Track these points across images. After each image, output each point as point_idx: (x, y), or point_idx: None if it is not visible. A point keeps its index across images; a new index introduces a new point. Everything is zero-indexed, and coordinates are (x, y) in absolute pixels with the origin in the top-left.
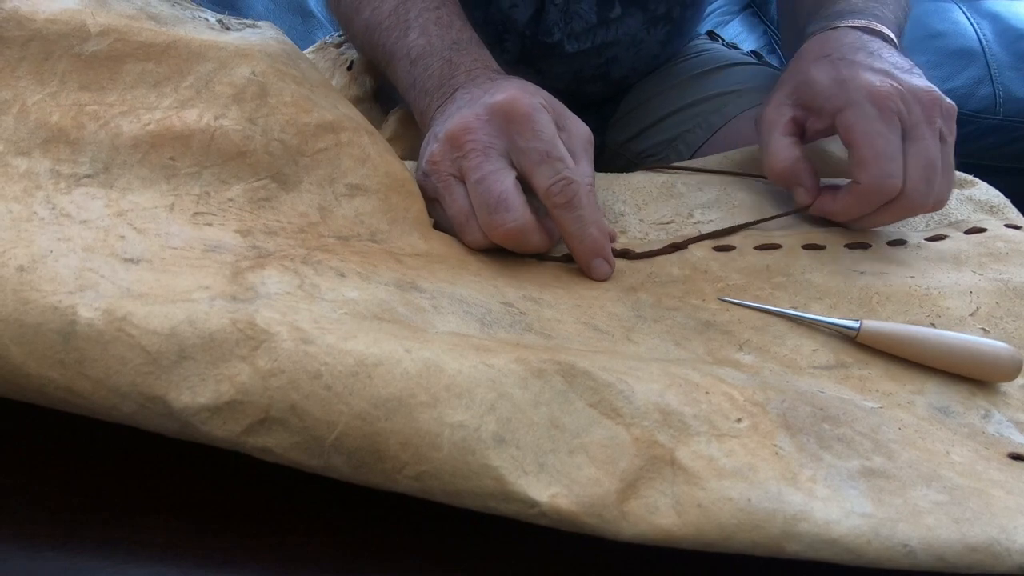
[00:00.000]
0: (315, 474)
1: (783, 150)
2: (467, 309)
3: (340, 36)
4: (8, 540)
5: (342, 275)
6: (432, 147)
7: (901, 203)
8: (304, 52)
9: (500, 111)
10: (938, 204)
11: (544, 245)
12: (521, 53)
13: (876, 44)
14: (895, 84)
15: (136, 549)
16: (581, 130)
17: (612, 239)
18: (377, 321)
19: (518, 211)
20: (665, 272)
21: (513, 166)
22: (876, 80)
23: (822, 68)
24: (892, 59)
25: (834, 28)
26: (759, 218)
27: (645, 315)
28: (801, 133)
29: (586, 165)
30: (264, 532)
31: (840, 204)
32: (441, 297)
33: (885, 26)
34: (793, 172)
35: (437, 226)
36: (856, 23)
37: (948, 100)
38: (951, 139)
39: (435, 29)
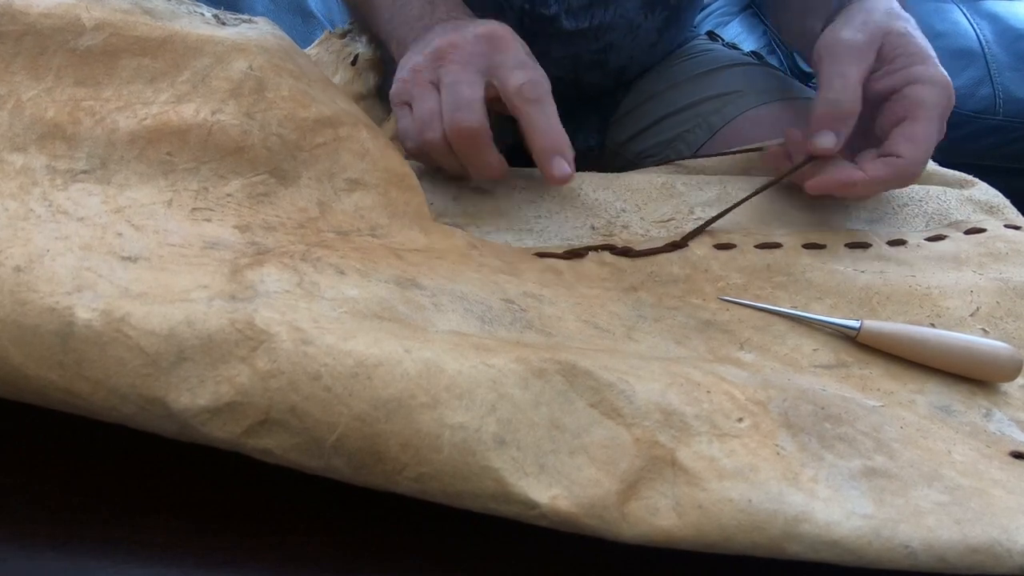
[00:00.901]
0: (314, 475)
1: (856, 91)
2: (467, 307)
3: (344, 27)
4: (8, 540)
5: (342, 272)
6: (415, 59)
7: (903, 176)
8: (309, 46)
9: (486, 35)
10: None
11: (495, 166)
12: (519, 30)
13: (910, 19)
14: (946, 78)
15: (136, 549)
16: (528, 51)
17: (568, 148)
18: (377, 320)
19: (480, 115)
20: (666, 272)
21: (487, 87)
22: (942, 75)
23: (911, 29)
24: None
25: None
26: (758, 214)
27: (646, 314)
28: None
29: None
30: (264, 532)
31: (869, 181)
32: (441, 295)
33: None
34: (853, 115)
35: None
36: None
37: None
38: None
39: None
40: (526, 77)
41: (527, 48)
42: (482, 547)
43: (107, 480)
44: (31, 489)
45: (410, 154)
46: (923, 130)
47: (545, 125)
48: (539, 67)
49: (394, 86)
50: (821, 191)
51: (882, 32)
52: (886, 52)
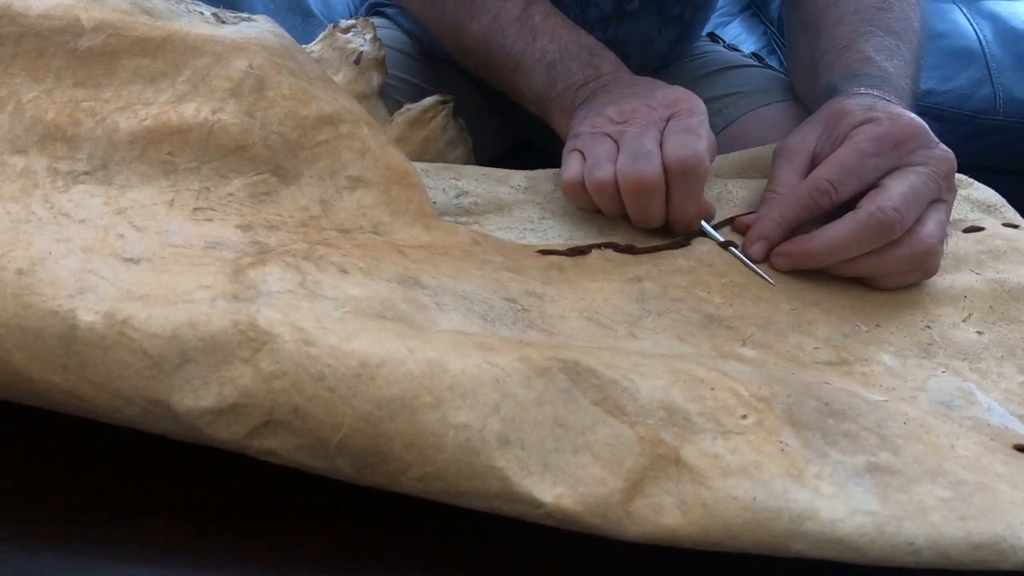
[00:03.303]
0: (314, 475)
1: (789, 183)
2: (469, 306)
3: (347, 23)
4: (8, 540)
5: (344, 271)
6: (595, 119)
7: (869, 212)
8: (313, 41)
9: (674, 99)
10: (901, 258)
11: (658, 216)
12: None
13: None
14: (922, 127)
15: (136, 549)
16: (714, 141)
17: (710, 216)
18: (380, 320)
19: (659, 168)
20: (671, 263)
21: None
22: (905, 116)
23: (857, 102)
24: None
25: (866, 94)
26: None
27: (650, 307)
28: (814, 167)
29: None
30: (264, 532)
31: (780, 205)
32: (444, 294)
33: (905, 99)
34: (779, 227)
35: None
36: (887, 96)
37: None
38: (951, 202)
39: (565, 34)
40: (682, 146)
41: (704, 110)
42: (482, 547)
43: (107, 480)
44: (31, 489)
45: (565, 189)
46: (832, 158)
47: (681, 202)
48: (704, 138)
49: (570, 141)
50: (786, 266)
51: (827, 112)
52: (831, 124)
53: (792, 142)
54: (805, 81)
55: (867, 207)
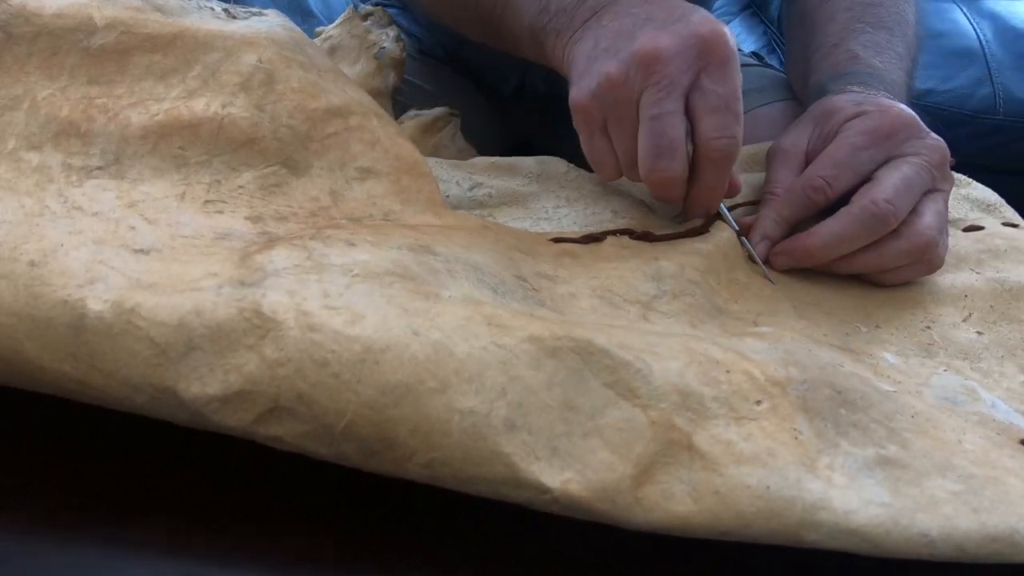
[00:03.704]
0: (315, 473)
1: (786, 182)
2: (480, 277)
3: (367, 8)
4: (8, 540)
5: (352, 244)
6: (610, 66)
7: (863, 206)
8: (330, 25)
9: (700, 43)
10: (900, 251)
11: (679, 199)
12: None
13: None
14: (913, 118)
15: (136, 549)
16: (741, 80)
17: (737, 190)
18: (389, 283)
19: (682, 162)
20: (689, 246)
21: (686, 106)
22: (895, 107)
23: (847, 98)
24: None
25: (855, 92)
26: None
27: (666, 287)
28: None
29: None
30: (264, 532)
31: (776, 205)
32: (455, 262)
33: (897, 95)
34: (777, 230)
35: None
36: (876, 95)
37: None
38: (948, 191)
39: None
40: (722, 131)
41: (735, 59)
42: (482, 547)
43: (107, 480)
44: (31, 489)
45: (600, 176)
46: (825, 152)
47: (713, 189)
48: (740, 115)
49: (581, 95)
50: (785, 265)
51: (817, 111)
52: (822, 121)
53: (785, 143)
54: (799, 79)
55: (860, 201)
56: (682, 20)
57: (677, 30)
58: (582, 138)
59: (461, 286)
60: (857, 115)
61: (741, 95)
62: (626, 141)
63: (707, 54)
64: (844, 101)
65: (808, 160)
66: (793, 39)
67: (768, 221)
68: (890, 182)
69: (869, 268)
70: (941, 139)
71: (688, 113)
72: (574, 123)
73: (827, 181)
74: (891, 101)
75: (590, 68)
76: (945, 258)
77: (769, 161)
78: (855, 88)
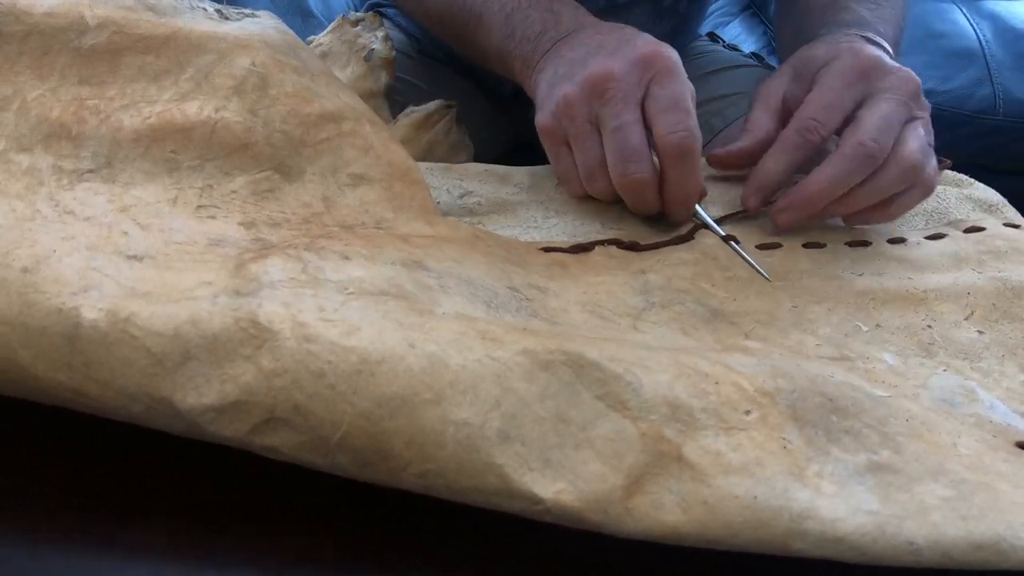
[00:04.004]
0: (315, 474)
1: (762, 122)
2: (473, 291)
3: (357, 15)
4: (8, 540)
5: (347, 257)
6: (567, 90)
7: (852, 147)
8: (322, 32)
9: (645, 60)
10: (894, 177)
11: (655, 203)
12: None
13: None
14: (880, 57)
15: (136, 549)
16: (690, 84)
17: (702, 196)
18: (383, 301)
19: (649, 165)
20: (675, 256)
21: (644, 116)
22: (865, 45)
23: (822, 43)
24: (888, 49)
25: (839, 35)
26: (760, 214)
27: (654, 299)
28: (786, 108)
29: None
30: (264, 532)
31: (771, 152)
32: (448, 277)
33: (886, 42)
34: (761, 146)
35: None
36: (861, 33)
37: (923, 96)
38: (926, 117)
39: None
40: (676, 126)
41: (683, 70)
42: (482, 547)
43: (107, 480)
44: (31, 489)
45: (568, 192)
46: (809, 98)
47: (681, 184)
48: (692, 111)
49: (544, 118)
50: (790, 220)
51: (794, 59)
52: (798, 69)
53: (763, 89)
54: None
55: (849, 142)
56: (628, 44)
57: (624, 53)
58: (549, 157)
59: (454, 303)
60: (833, 58)
61: (690, 97)
62: (584, 155)
63: (652, 67)
64: (818, 47)
65: (785, 104)
66: (783, 25)
67: (765, 172)
68: (873, 121)
69: (869, 202)
70: (910, 71)
71: (646, 123)
72: (542, 143)
73: (819, 121)
74: (861, 43)
75: (551, 93)
76: (937, 182)
77: (750, 107)
78: (835, 33)
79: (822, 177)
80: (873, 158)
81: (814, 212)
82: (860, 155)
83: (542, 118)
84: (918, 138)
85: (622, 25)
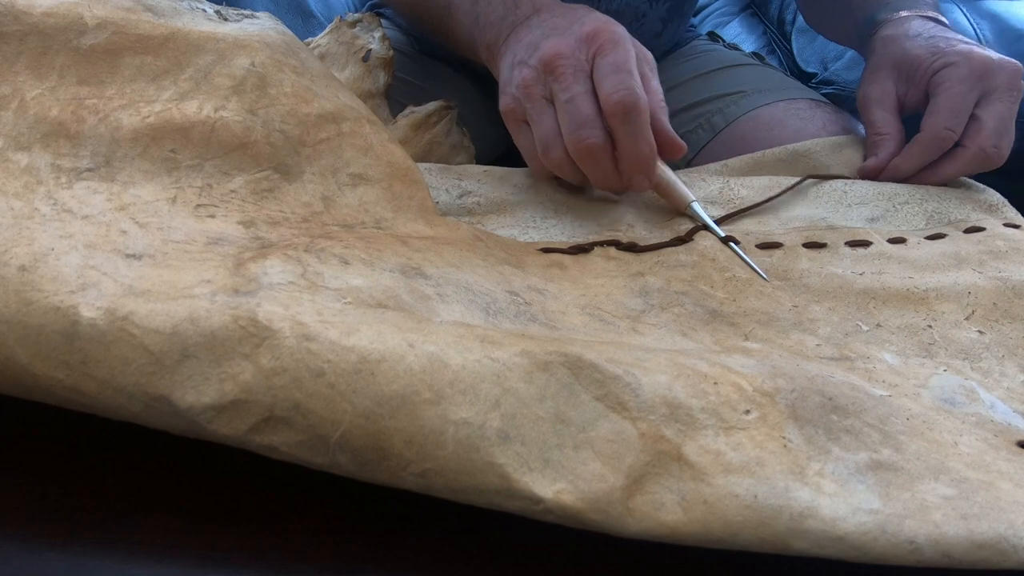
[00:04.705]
0: (315, 474)
1: (890, 125)
2: (472, 298)
3: (355, 16)
4: (8, 540)
5: (346, 262)
6: (523, 72)
7: (973, 154)
8: (320, 34)
9: (591, 36)
10: (1002, 159)
11: (615, 177)
12: None
13: (949, 32)
14: (989, 57)
15: (136, 549)
16: (648, 54)
17: (680, 152)
18: (381, 311)
19: (601, 131)
20: (674, 259)
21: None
22: (970, 48)
23: (918, 44)
24: (969, 40)
25: (904, 18)
26: (760, 214)
27: (653, 301)
28: (902, 109)
29: (655, 83)
30: (264, 532)
31: (905, 158)
32: (446, 284)
33: (936, 12)
34: (897, 142)
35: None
36: (922, 13)
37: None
38: (1018, 99)
39: None
40: (617, 87)
41: (628, 41)
42: (483, 547)
43: (107, 480)
44: (31, 489)
45: (529, 166)
46: (940, 104)
47: (631, 146)
48: (634, 72)
49: (505, 101)
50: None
51: (893, 60)
52: (906, 73)
53: (875, 91)
54: (838, 18)
55: (972, 147)
56: (578, 23)
57: (573, 32)
58: (513, 137)
59: (452, 311)
60: (945, 66)
61: (634, 62)
62: (540, 127)
63: (596, 41)
64: (919, 50)
65: (901, 103)
66: None
67: (902, 170)
68: (992, 125)
69: (940, 178)
70: (1015, 63)
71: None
72: (506, 126)
73: (952, 130)
74: (961, 42)
75: (511, 77)
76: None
77: (864, 108)
78: (906, 13)
79: (944, 174)
80: (991, 160)
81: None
82: (981, 158)
83: (503, 101)
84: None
85: (576, 6)
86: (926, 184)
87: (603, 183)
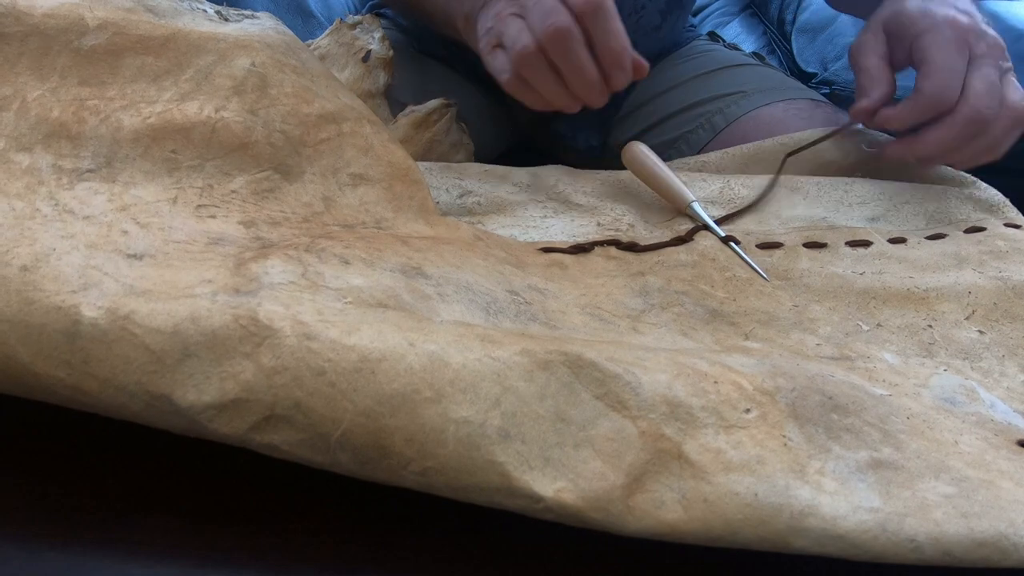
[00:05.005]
0: (315, 474)
1: (882, 72)
2: (472, 297)
3: (355, 18)
4: (8, 540)
5: (347, 262)
6: (495, 8)
7: (967, 114)
8: (320, 35)
9: None
10: (1006, 127)
11: (589, 67)
12: None
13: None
14: (972, 21)
15: (136, 549)
16: None
17: (643, 70)
18: (382, 311)
19: (569, 17)
20: (674, 259)
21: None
22: (957, 14)
23: (913, 5)
24: (972, 7)
25: None
26: (759, 214)
27: (653, 301)
28: (890, 62)
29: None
30: (264, 532)
31: (900, 110)
32: (447, 284)
33: None
34: (888, 85)
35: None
36: None
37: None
38: (1011, 66)
39: None
40: None
41: None
42: (483, 547)
43: (107, 480)
44: (31, 489)
45: (507, 87)
46: (933, 64)
47: (603, 41)
48: None
49: (482, 38)
50: (899, 156)
51: (886, 15)
52: (894, 30)
53: (866, 39)
54: None
55: (965, 110)
56: None
57: None
58: (488, 66)
59: (453, 311)
60: (930, 28)
61: None
62: (511, 28)
63: None
64: (912, 11)
65: (888, 56)
66: None
67: (894, 117)
68: (983, 87)
69: (980, 149)
70: (995, 35)
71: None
72: (485, 65)
73: (953, 88)
74: (945, 8)
75: (485, 23)
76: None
77: (857, 56)
78: None
79: (937, 139)
80: (987, 121)
81: (928, 163)
82: (976, 121)
83: (481, 43)
84: (1015, 89)
85: None
86: (922, 157)
87: (580, 74)
